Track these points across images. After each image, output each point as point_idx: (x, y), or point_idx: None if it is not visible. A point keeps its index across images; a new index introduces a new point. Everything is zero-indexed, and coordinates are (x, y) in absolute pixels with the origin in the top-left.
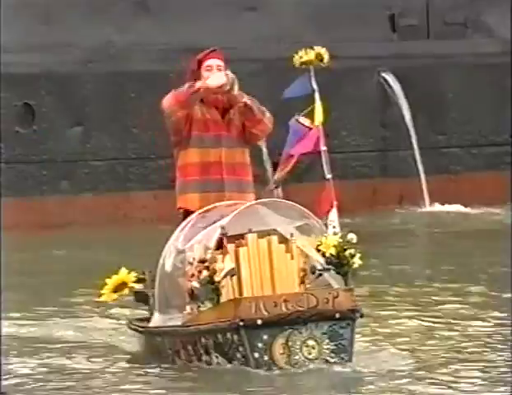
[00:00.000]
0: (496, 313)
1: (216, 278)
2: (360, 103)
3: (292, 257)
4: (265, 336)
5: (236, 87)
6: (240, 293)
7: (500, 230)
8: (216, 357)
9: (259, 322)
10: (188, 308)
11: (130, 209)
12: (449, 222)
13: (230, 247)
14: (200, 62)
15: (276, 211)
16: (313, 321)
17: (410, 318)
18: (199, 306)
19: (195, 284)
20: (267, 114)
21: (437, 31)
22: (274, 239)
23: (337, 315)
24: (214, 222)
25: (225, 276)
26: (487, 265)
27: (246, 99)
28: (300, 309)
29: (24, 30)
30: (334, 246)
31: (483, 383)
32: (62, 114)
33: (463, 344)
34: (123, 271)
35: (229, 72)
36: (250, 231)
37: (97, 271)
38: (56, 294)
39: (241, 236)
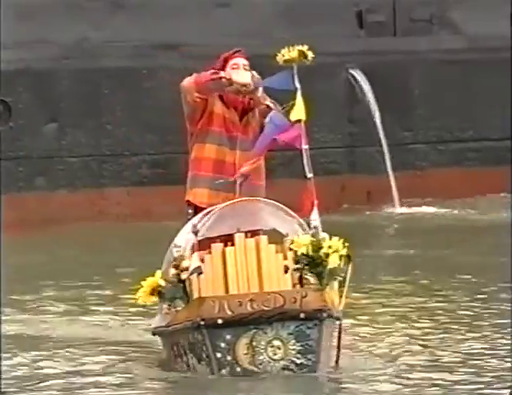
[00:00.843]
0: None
1: (183, 276)
2: (327, 99)
3: (285, 258)
4: (228, 336)
5: (261, 89)
6: (227, 293)
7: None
8: (191, 358)
9: (220, 321)
10: (164, 307)
11: (105, 205)
12: (421, 221)
13: (218, 246)
14: (226, 61)
15: (276, 210)
16: (278, 321)
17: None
18: (170, 304)
19: (161, 282)
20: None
21: (404, 28)
22: (263, 238)
23: (302, 315)
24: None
25: (191, 274)
26: (465, 264)
27: (269, 102)
28: (265, 308)
29: None
30: (306, 245)
31: (468, 386)
32: (38, 111)
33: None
34: (159, 273)
35: (255, 73)
36: (238, 231)
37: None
38: (49, 292)
39: (231, 236)
